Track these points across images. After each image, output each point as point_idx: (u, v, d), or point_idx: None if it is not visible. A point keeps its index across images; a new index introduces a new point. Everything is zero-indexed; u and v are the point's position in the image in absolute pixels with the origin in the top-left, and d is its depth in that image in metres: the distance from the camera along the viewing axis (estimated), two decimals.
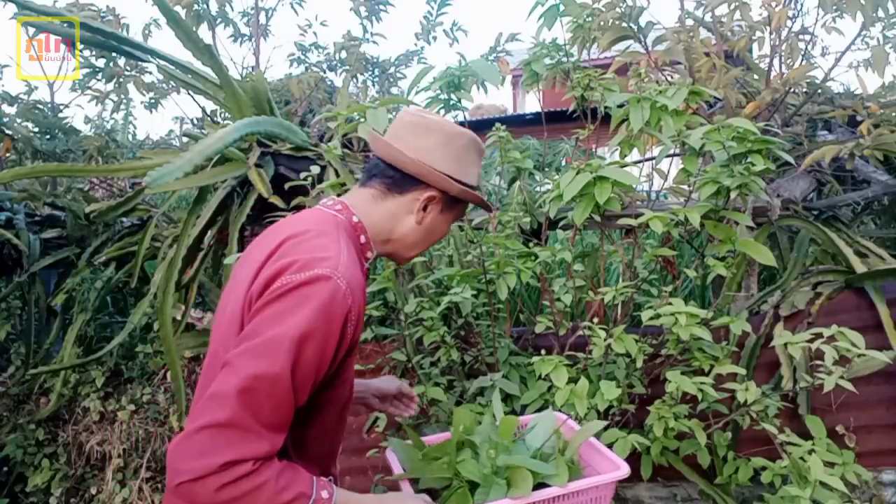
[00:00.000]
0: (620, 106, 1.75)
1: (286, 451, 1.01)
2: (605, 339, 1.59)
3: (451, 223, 1.21)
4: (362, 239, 1.11)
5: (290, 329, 0.90)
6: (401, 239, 1.15)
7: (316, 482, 0.95)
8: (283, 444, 0.95)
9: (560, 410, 1.57)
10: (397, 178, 1.11)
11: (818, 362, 1.46)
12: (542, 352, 1.67)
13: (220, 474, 0.85)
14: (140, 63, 3.10)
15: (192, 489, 0.85)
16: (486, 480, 1.09)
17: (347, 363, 1.05)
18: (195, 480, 0.85)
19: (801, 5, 2.46)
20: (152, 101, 3.47)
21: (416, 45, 3.80)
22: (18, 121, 3.16)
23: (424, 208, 1.12)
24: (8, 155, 3.10)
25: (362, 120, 1.67)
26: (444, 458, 1.18)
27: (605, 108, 1.88)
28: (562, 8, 2.18)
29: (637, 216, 1.61)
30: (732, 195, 1.57)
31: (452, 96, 1.99)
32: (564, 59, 2.23)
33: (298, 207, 1.94)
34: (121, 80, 3.22)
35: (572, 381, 1.57)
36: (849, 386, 1.45)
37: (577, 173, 1.55)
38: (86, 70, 3.26)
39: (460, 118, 2.12)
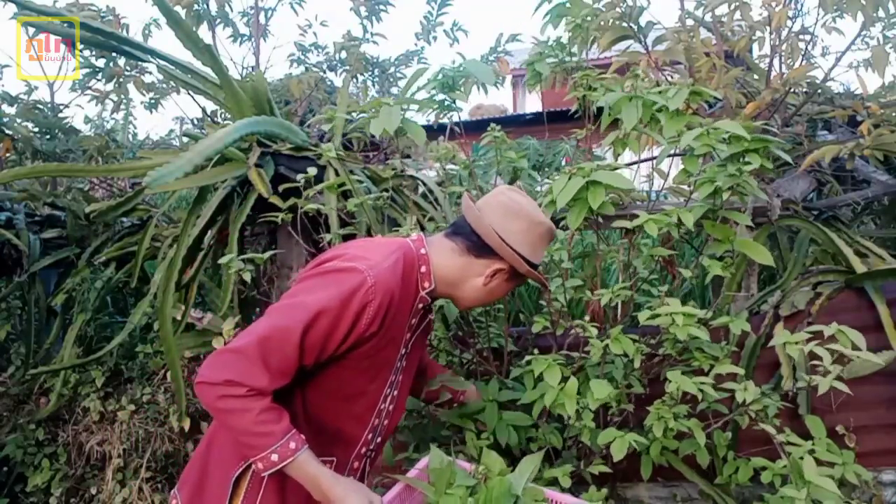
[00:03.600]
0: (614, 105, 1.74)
1: (295, 408, 1.20)
2: (602, 340, 1.58)
3: (510, 290, 1.42)
4: (423, 269, 1.28)
5: (315, 301, 1.11)
6: (464, 291, 1.33)
7: (290, 434, 1.10)
8: (292, 402, 1.18)
9: (549, 410, 1.56)
10: (478, 245, 1.29)
11: (817, 362, 1.45)
12: (535, 351, 1.67)
13: (221, 387, 1.07)
14: (140, 63, 3.09)
15: (202, 390, 1.09)
16: None
17: (360, 354, 1.19)
18: (205, 384, 1.08)
19: (802, 5, 2.46)
20: (152, 101, 3.47)
21: (416, 45, 3.79)
22: (18, 121, 3.16)
23: (493, 275, 1.30)
24: (8, 155, 3.09)
25: (372, 117, 1.65)
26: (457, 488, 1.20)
27: (599, 108, 1.87)
28: (567, 6, 2.17)
29: (631, 218, 1.60)
30: (726, 196, 1.56)
31: (447, 97, 1.98)
32: (567, 59, 2.22)
33: (293, 208, 1.94)
34: (121, 80, 3.21)
35: (565, 380, 1.56)
36: (844, 388, 1.45)
37: (570, 178, 1.53)
38: (86, 70, 3.26)
39: (455, 119, 2.11)
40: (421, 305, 1.31)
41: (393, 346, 1.27)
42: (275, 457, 1.09)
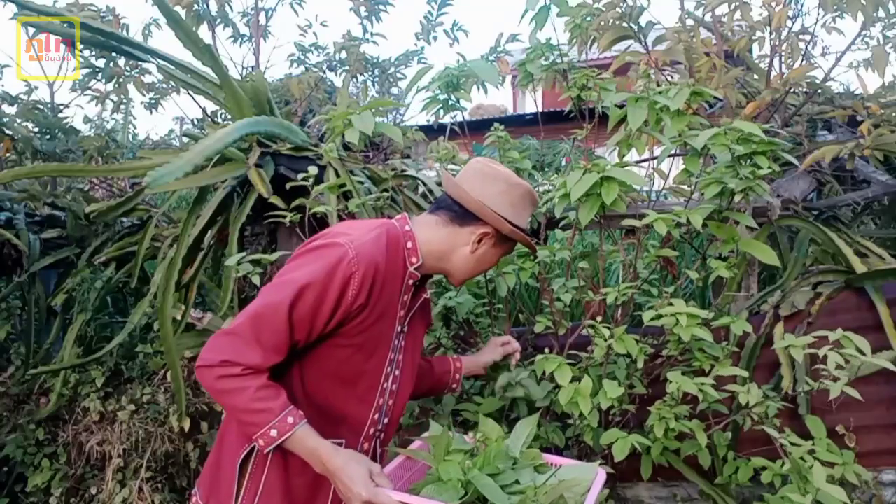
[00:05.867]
0: (620, 106, 1.75)
1: (295, 393, 1.22)
2: (606, 339, 1.59)
3: (500, 257, 1.42)
4: (409, 245, 1.30)
5: (300, 276, 1.15)
6: (454, 263, 1.35)
7: (288, 409, 1.13)
8: (291, 386, 1.20)
9: (563, 409, 1.57)
10: (460, 213, 1.32)
11: (821, 367, 1.46)
12: (546, 350, 1.67)
13: (218, 368, 1.11)
14: (140, 63, 3.09)
15: (201, 373, 1.13)
16: (450, 483, 1.15)
17: (352, 330, 1.21)
18: (203, 367, 1.12)
19: (802, 5, 2.46)
20: (152, 101, 3.47)
21: (416, 45, 3.79)
22: (18, 121, 3.15)
23: (479, 241, 1.33)
24: (8, 155, 3.09)
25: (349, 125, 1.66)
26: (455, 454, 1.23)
27: (603, 107, 1.88)
28: (553, 9, 2.17)
29: (640, 216, 1.61)
30: (738, 198, 1.57)
31: (451, 96, 1.99)
32: (559, 60, 2.22)
33: (299, 208, 1.94)
34: (121, 80, 3.21)
35: (576, 379, 1.57)
36: (854, 393, 1.45)
37: (585, 173, 1.54)
38: (86, 70, 3.25)
39: (459, 118, 2.12)
40: (411, 282, 1.32)
41: (386, 321, 1.28)
42: (274, 432, 1.11)
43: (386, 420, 1.38)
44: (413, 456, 1.30)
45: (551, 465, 1.28)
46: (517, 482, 1.17)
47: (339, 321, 1.19)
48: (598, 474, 1.23)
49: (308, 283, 1.14)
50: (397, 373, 1.37)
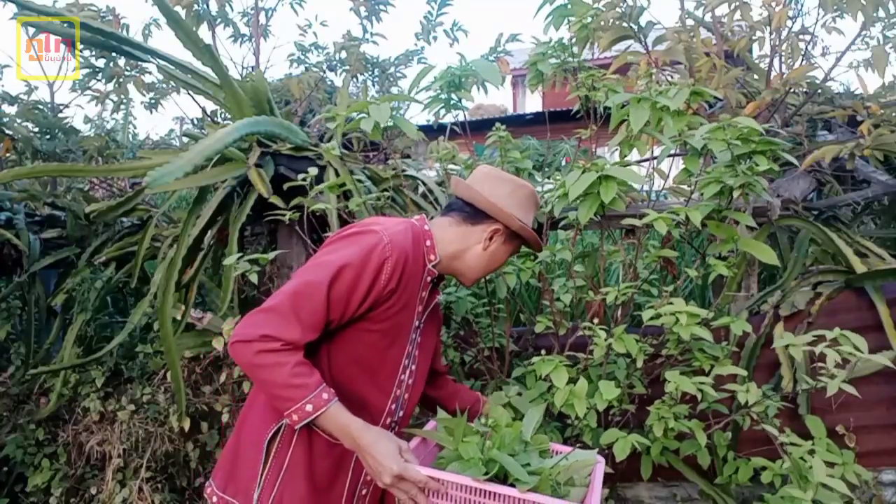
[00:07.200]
0: (622, 106, 1.75)
1: (323, 376, 1.22)
2: (605, 340, 1.59)
3: (510, 255, 1.48)
4: (428, 243, 1.37)
5: (338, 258, 1.21)
6: (467, 260, 1.41)
7: (322, 385, 1.17)
8: (319, 370, 1.21)
9: (560, 410, 1.57)
10: (471, 213, 1.40)
11: (820, 364, 1.46)
12: (543, 352, 1.67)
13: (257, 343, 1.13)
14: (140, 63, 3.09)
15: (238, 349, 1.15)
16: (472, 461, 1.19)
17: (380, 315, 1.26)
18: (240, 342, 1.15)
19: (802, 5, 2.46)
20: (152, 101, 3.47)
21: (416, 45, 3.79)
22: (18, 121, 3.15)
23: (490, 238, 1.40)
24: (8, 155, 3.09)
25: (364, 117, 1.67)
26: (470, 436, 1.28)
27: (606, 108, 1.88)
28: (569, 7, 2.18)
29: (640, 216, 1.61)
30: (735, 195, 1.57)
31: (453, 96, 1.99)
32: (570, 59, 2.23)
33: (298, 207, 1.95)
34: (121, 80, 3.21)
35: (572, 381, 1.57)
36: (852, 390, 1.45)
37: (583, 172, 1.55)
38: (86, 70, 3.25)
39: (461, 118, 2.12)
40: (429, 279, 1.38)
41: (408, 312, 1.34)
42: (309, 407, 1.14)
43: (401, 413, 1.42)
44: (429, 437, 1.34)
45: (553, 452, 1.37)
46: (528, 464, 1.22)
47: (370, 304, 1.24)
48: (598, 460, 1.31)
49: (346, 263, 1.20)
50: (413, 367, 1.41)
